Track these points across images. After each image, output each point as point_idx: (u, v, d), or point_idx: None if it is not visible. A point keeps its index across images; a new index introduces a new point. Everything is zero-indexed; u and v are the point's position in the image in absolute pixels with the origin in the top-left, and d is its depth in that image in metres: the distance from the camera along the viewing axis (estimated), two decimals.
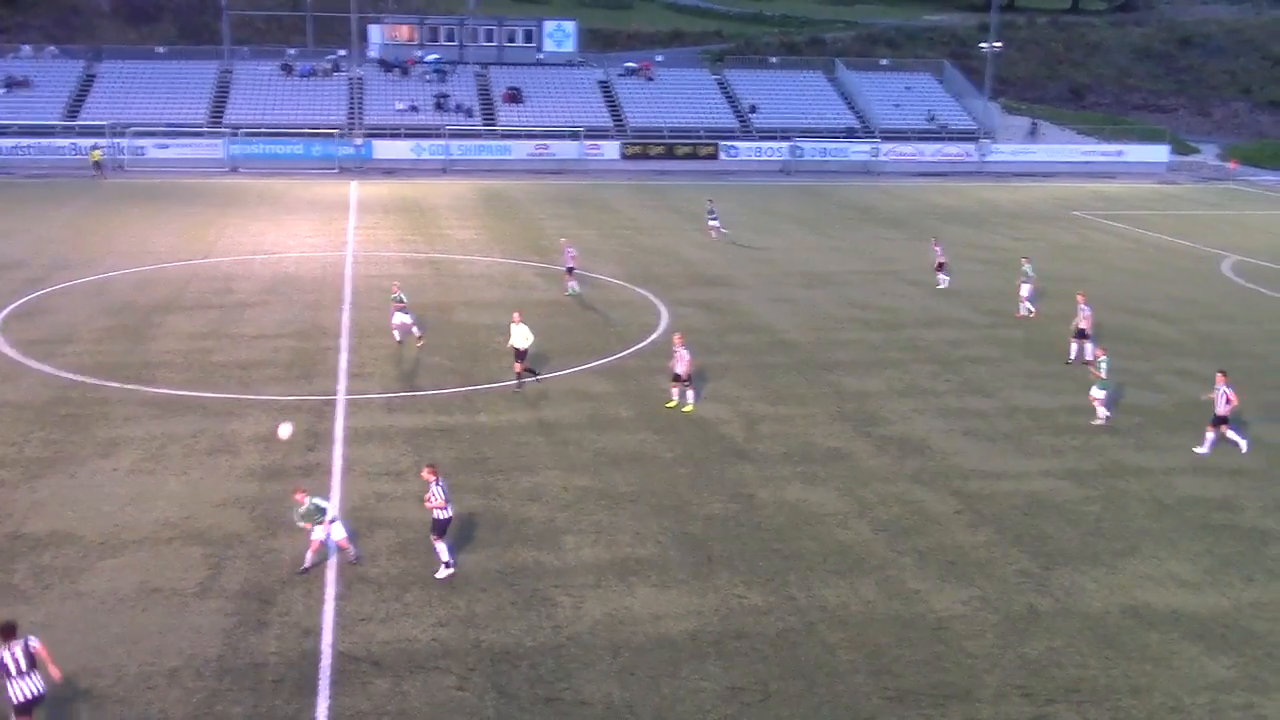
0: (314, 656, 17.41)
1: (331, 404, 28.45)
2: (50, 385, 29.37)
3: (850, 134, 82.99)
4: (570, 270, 40.82)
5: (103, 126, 71.52)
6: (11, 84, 75.83)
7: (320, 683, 16.75)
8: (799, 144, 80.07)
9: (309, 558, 19.93)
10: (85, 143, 70.32)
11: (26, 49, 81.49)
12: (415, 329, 33.63)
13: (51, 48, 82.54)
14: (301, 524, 19.78)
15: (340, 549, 20.28)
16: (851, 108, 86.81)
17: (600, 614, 18.86)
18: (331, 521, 19.95)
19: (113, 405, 27.90)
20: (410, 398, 29.08)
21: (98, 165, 67.04)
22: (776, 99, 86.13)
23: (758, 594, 19.64)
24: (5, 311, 36.24)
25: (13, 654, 14.61)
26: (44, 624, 17.99)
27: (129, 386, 29.28)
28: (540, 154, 77.52)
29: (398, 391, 29.53)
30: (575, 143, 77.84)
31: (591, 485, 24.02)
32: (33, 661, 14.78)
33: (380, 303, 38.15)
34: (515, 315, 30.33)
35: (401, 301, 33.69)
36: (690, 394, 28.63)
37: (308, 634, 18.02)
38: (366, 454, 25.31)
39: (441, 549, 19.93)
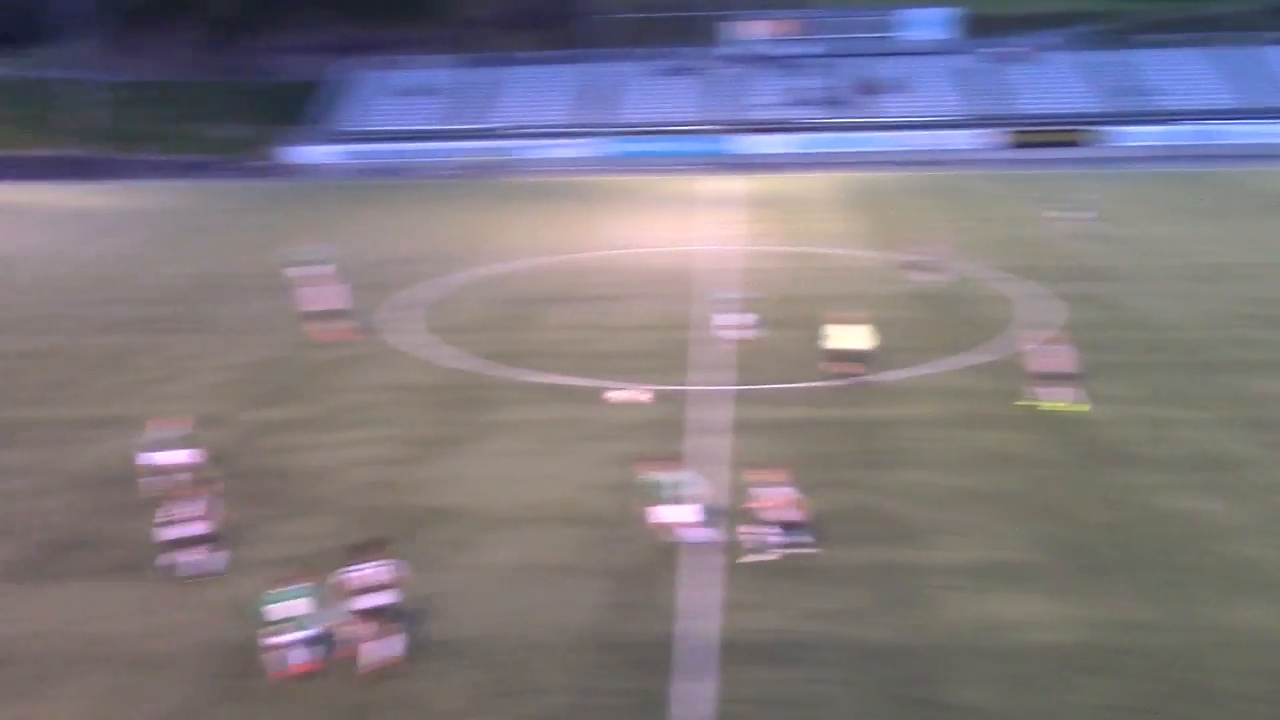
0: (692, 639, 17.84)
1: (713, 394, 29.07)
2: (448, 370, 31.68)
3: (1245, 115, 76.41)
4: (923, 264, 39.85)
5: (495, 130, 76.59)
6: (415, 93, 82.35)
7: (694, 667, 17.13)
8: (1194, 126, 74.55)
9: (684, 536, 20.42)
10: (481, 145, 75.78)
11: (428, 60, 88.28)
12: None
13: (450, 57, 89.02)
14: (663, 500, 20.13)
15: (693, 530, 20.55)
16: (1247, 87, 79.89)
17: (975, 617, 18.28)
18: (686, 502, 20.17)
19: (503, 390, 29.72)
20: (781, 390, 29.28)
21: (461, 167, 72.85)
22: (1169, 79, 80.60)
23: (1147, 609, 18.42)
24: (411, 302, 39.39)
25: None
26: (439, 592, 19.43)
27: (518, 372, 31.12)
28: (911, 144, 76.23)
29: (769, 384, 29.80)
30: (948, 132, 76.03)
31: (967, 485, 23.32)
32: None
33: (755, 295, 38.75)
34: (840, 316, 28.55)
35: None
36: (1066, 393, 27.20)
37: (687, 616, 18.48)
38: (747, 444, 25.68)
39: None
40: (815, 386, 29.41)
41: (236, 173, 74.42)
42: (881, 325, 29.88)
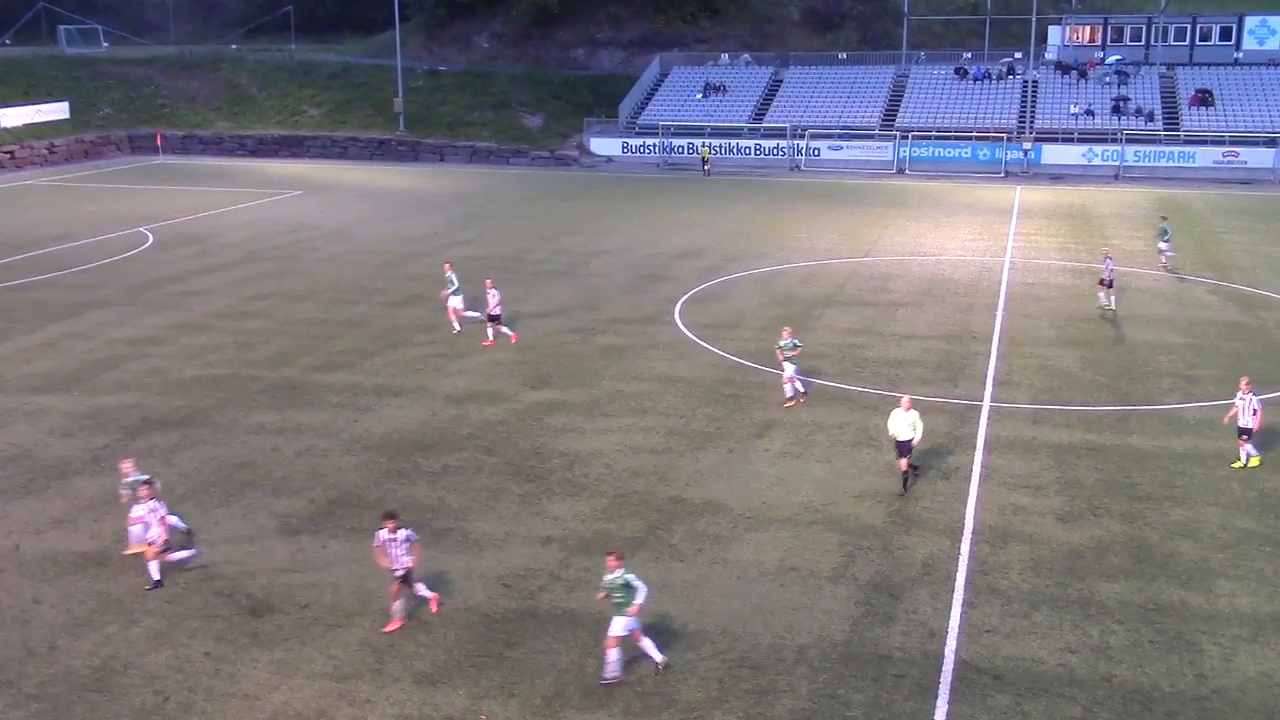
0: (936, 659, 17.37)
1: (976, 409, 28.20)
2: (718, 366, 31.91)
3: None
4: (1107, 283, 37.27)
5: (784, 129, 76.48)
6: (709, 89, 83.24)
7: (940, 687, 16.68)
8: None
9: None
10: (768, 144, 75.91)
11: (724, 57, 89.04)
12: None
13: (745, 55, 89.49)
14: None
15: None
16: None
17: (1254, 671, 16.99)
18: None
19: (769, 389, 29.68)
20: (1059, 410, 28.05)
21: (705, 163, 72.69)
22: None
23: None
24: (685, 296, 39.92)
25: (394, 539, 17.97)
26: (694, 584, 19.65)
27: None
28: (1229, 162, 71.37)
29: (1047, 403, 28.60)
30: (1271, 150, 70.71)
31: (1255, 528, 21.71)
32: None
33: (1034, 310, 37.27)
34: (904, 400, 23.61)
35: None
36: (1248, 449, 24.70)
37: (932, 636, 18.01)
38: (1007, 464, 24.79)
39: None
40: (1095, 409, 28.03)
41: (536, 161, 77.36)
42: (1184, 351, 28.07)
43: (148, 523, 19.73)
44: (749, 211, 58.31)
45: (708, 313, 37.74)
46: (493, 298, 33.72)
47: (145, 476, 20.76)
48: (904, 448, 23.23)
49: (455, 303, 35.11)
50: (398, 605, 18.48)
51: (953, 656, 17.43)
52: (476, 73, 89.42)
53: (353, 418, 27.92)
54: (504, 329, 34.10)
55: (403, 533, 18.32)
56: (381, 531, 18.32)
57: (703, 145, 74.60)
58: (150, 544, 19.70)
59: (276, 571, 20.30)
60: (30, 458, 25.54)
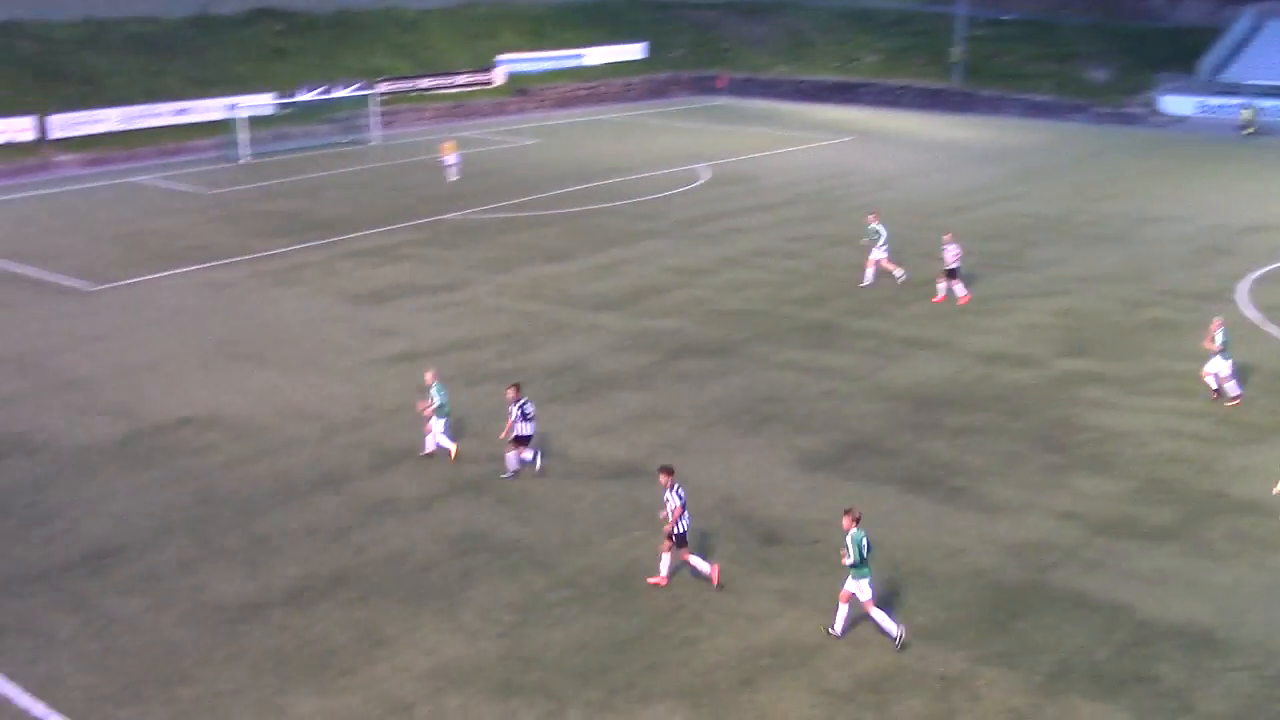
0: None
1: None
2: None
3: None
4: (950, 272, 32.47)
5: None
6: None
7: None
8: None
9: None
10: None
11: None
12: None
13: None
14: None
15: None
16: None
17: None
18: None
19: None
20: None
21: (1248, 124, 64.27)
22: None
23: None
24: (1254, 274, 36.21)
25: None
26: (1229, 587, 18.02)
27: None
28: None
29: None
30: None
31: None
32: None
33: None
34: None
35: None
36: None
37: None
38: None
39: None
40: None
41: (1099, 118, 73.03)
42: None
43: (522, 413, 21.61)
44: None
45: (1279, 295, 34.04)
46: (949, 252, 32.61)
47: (441, 389, 22.58)
48: None
49: (878, 254, 34.41)
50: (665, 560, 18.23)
51: None
52: (1041, 22, 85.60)
53: (879, 365, 28.04)
54: (957, 286, 32.77)
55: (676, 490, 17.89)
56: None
57: (1246, 107, 66.79)
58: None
59: (791, 505, 20.93)
60: (584, 368, 27.96)
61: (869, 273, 34.71)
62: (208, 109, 60.25)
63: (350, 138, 61.97)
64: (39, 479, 22.16)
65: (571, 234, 41.42)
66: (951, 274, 32.82)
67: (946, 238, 33.21)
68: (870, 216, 35.61)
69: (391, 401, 25.65)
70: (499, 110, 74.04)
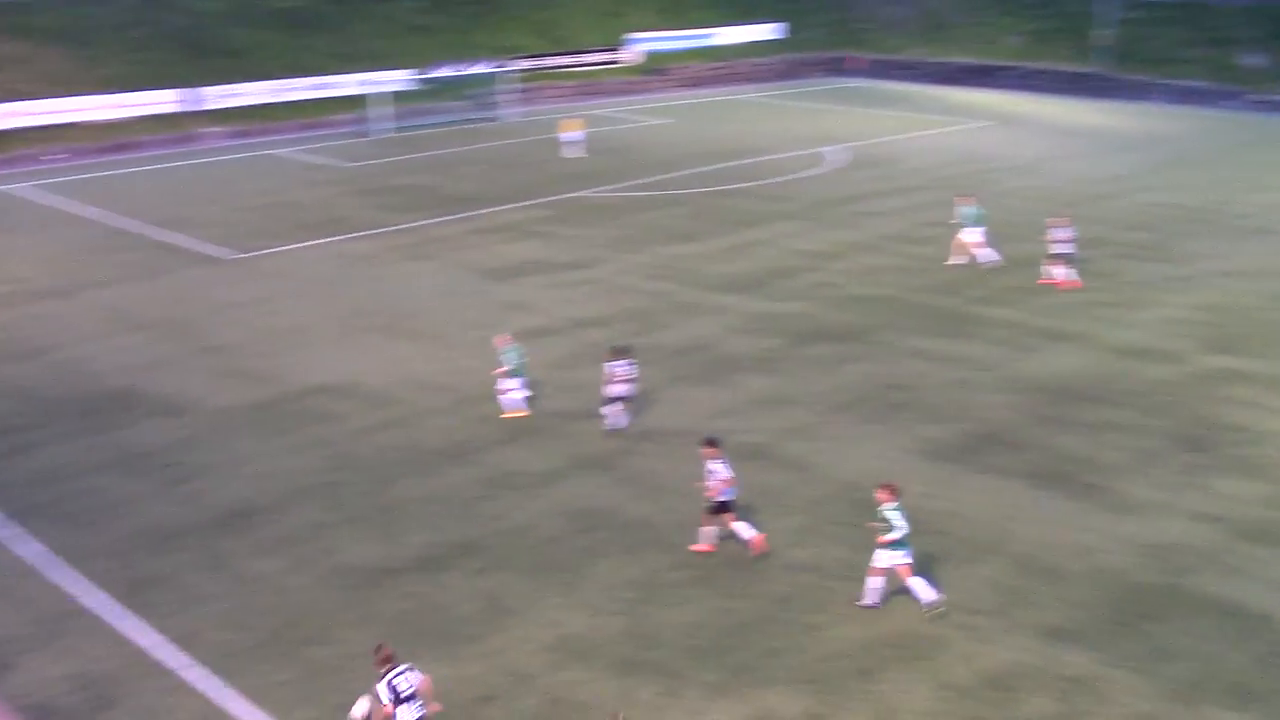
0: None
1: None
2: None
3: None
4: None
5: None
6: None
7: None
8: None
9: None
10: None
11: None
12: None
13: None
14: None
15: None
16: None
17: None
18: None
19: None
20: None
21: None
22: None
23: None
24: None
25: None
26: None
27: None
28: None
29: None
30: None
31: None
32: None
33: None
34: None
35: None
36: None
37: None
38: None
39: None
40: None
41: (1252, 105, 70.18)
42: None
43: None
44: None
45: None
46: (1058, 235, 32.45)
47: (513, 351, 23.92)
48: None
49: (969, 237, 34.41)
50: (709, 531, 18.74)
51: None
52: (1195, 5, 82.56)
53: (1012, 355, 27.45)
54: (1060, 269, 32.48)
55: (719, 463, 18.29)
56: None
57: None
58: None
59: (916, 495, 20.56)
60: (710, 350, 27.93)
61: (957, 255, 34.82)
62: (347, 84, 61.60)
63: (484, 114, 62.72)
64: (182, 439, 22.98)
65: (701, 214, 41.35)
66: (1059, 258, 32.49)
67: (1055, 221, 32.83)
68: (960, 199, 35.70)
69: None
70: (630, 89, 74.20)
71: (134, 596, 17.51)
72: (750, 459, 21.96)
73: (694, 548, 18.70)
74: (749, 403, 24.77)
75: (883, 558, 16.94)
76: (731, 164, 50.39)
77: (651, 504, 20.29)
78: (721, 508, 18.47)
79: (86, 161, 51.24)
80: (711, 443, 18.56)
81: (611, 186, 45.95)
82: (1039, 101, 70.53)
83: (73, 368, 26.87)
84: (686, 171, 48.77)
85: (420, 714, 13.58)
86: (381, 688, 13.48)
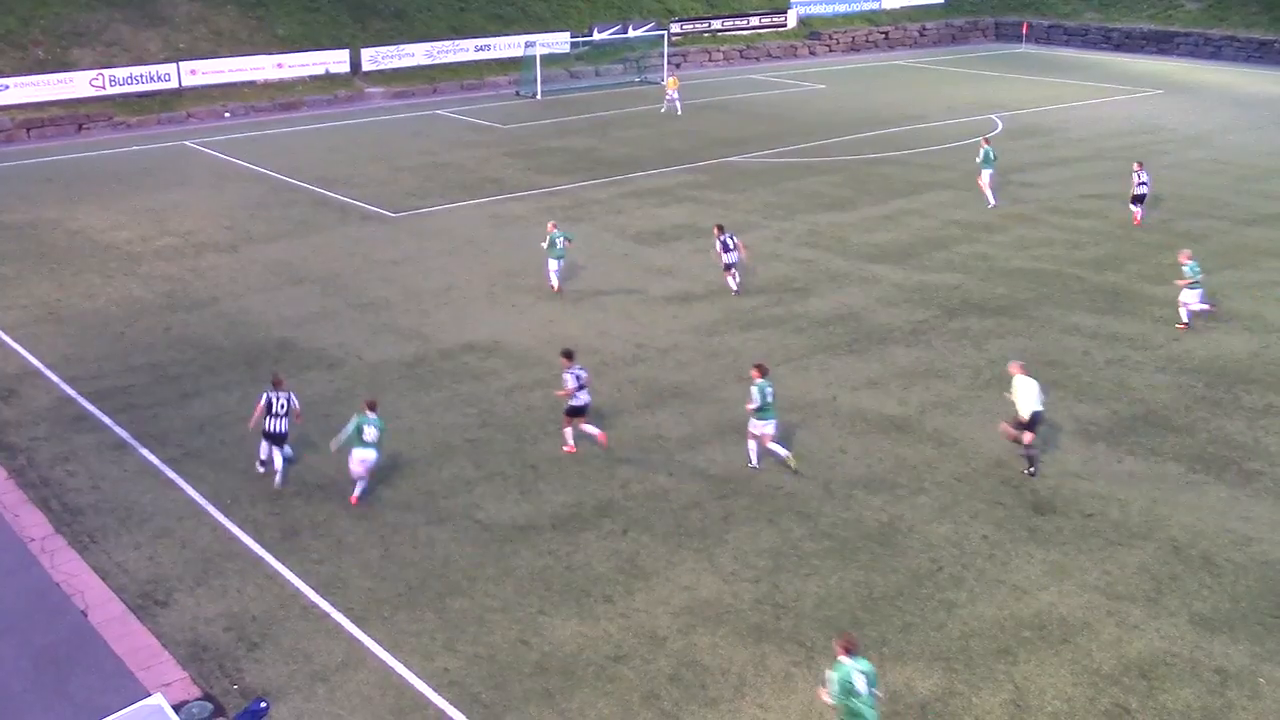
0: None
1: None
2: None
3: None
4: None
5: None
6: None
7: None
8: None
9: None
10: None
11: None
12: None
13: None
14: None
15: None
16: None
17: None
18: None
19: None
20: None
21: None
22: None
23: None
24: None
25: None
26: None
27: None
28: None
29: None
30: None
31: None
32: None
33: None
34: (1014, 367, 20.67)
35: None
36: None
37: None
38: None
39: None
40: None
41: None
42: None
43: None
44: None
45: None
46: (1140, 178, 34.83)
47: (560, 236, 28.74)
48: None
49: (985, 176, 37.35)
50: (567, 432, 20.90)
51: None
52: None
53: (1173, 335, 26.40)
54: (1139, 210, 35.24)
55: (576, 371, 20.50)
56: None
57: None
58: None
59: (1066, 475, 20.06)
60: (857, 320, 27.54)
61: (989, 194, 37.32)
62: (507, 45, 62.30)
63: (641, 77, 62.74)
64: (337, 391, 23.68)
65: (854, 182, 40.71)
66: (1138, 199, 35.07)
67: (1137, 166, 35.40)
68: (984, 140, 38.35)
69: (664, 341, 26.04)
70: (789, 54, 73.32)
71: (285, 542, 18.16)
72: (894, 431, 21.66)
73: (565, 449, 20.93)
74: (895, 374, 24.36)
75: (753, 425, 19.91)
76: (889, 131, 49.44)
77: (791, 474, 20.15)
78: (574, 412, 20.68)
79: (255, 119, 52.99)
80: (568, 355, 20.79)
81: (766, 152, 45.54)
82: (1218, 70, 67.39)
83: (236, 319, 27.91)
84: (842, 138, 48.04)
85: None
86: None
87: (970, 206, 37.24)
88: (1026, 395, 19.89)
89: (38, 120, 49.54)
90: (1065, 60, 71.81)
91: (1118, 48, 76.36)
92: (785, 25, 75.26)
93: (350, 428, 18.95)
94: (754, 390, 19.75)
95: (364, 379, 24.25)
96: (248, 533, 18.43)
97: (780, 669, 15.13)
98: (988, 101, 56.60)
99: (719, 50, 70.96)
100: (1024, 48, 77.88)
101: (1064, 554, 17.61)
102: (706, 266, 31.38)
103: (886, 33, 79.23)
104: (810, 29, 76.05)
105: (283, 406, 19.62)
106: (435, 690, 14.75)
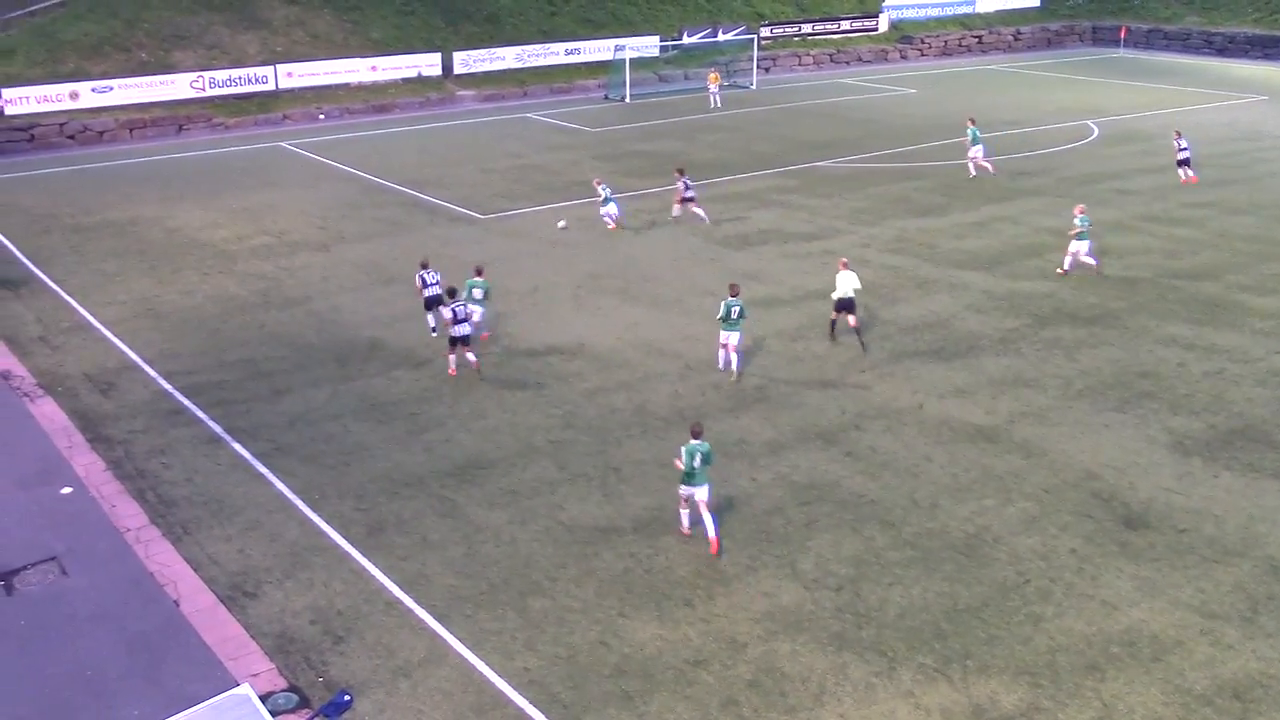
0: None
1: None
2: None
3: None
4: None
5: None
6: None
7: None
8: None
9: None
10: None
11: None
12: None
13: None
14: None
15: None
16: None
17: None
18: None
19: None
20: None
21: None
22: None
23: None
24: None
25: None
26: None
27: None
28: None
29: None
30: None
31: None
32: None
33: None
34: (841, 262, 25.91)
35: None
36: None
37: None
38: None
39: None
40: None
41: None
42: None
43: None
44: None
45: None
46: (1182, 142, 39.46)
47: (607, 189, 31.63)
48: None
49: (974, 152, 40.80)
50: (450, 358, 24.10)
51: None
52: None
53: (1276, 347, 25.68)
54: (1186, 170, 39.42)
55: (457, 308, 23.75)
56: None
57: None
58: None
59: (1159, 489, 19.60)
60: (946, 327, 27.19)
61: (971, 166, 41.15)
62: (596, 49, 62.62)
63: (730, 81, 62.64)
64: (424, 391, 23.96)
65: (944, 188, 40.22)
66: (1183, 163, 39.50)
67: (1176, 134, 40.23)
68: (969, 120, 41.99)
69: (748, 345, 25.93)
70: (880, 58, 72.73)
71: (371, 538, 18.40)
72: (981, 441, 21.35)
73: (449, 370, 24.22)
74: (985, 383, 24.01)
75: (721, 335, 23.73)
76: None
77: (875, 480, 19.96)
78: (459, 341, 24.01)
79: (349, 121, 53.87)
80: (452, 292, 24.45)
81: (855, 157, 45.21)
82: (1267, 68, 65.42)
83: (327, 317, 28.37)
84: (932, 144, 47.50)
85: None
86: None
87: (1064, 214, 36.53)
88: (845, 283, 25.30)
89: (140, 121, 50.89)
90: (1164, 65, 70.30)
91: (1220, 52, 74.58)
92: (876, 29, 74.66)
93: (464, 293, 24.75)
94: (721, 305, 23.75)
95: (450, 379, 24.49)
96: (335, 528, 18.71)
97: (861, 678, 14.97)
98: (1084, 107, 55.59)
99: (809, 54, 70.61)
100: (1121, 52, 76.38)
101: (1156, 570, 17.20)
102: (793, 271, 31.23)
103: (980, 36, 78.23)
104: (902, 33, 75.36)
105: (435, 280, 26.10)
106: (515, 689, 14.83)
